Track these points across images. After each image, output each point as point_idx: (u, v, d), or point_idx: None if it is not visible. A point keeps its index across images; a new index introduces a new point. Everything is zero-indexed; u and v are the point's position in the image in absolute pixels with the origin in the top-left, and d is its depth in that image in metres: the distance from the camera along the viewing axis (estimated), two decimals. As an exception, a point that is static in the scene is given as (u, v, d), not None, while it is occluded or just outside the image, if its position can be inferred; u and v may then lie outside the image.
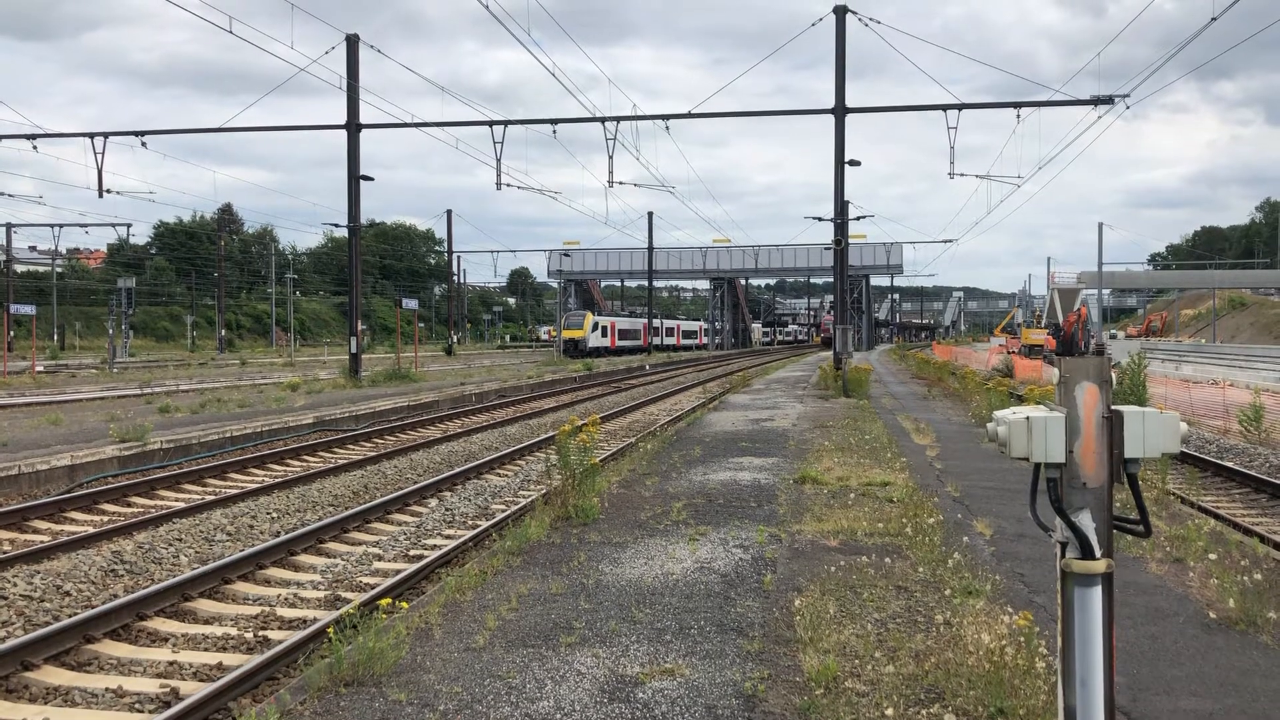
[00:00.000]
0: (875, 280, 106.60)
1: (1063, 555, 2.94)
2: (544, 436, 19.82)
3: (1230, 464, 15.92)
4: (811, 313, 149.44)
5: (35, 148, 33.12)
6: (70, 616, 8.07)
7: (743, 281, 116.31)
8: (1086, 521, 2.88)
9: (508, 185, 33.32)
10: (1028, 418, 2.87)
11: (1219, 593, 6.83)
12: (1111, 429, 2.85)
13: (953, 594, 6.81)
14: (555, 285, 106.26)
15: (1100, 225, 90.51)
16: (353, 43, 33.01)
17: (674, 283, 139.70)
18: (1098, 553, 2.89)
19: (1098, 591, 2.90)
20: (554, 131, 32.80)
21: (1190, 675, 5.43)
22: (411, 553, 10.73)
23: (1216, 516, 11.58)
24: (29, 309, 44.24)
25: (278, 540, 10.45)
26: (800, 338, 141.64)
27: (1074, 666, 2.91)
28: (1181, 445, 2.95)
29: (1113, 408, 2.87)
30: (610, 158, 32.28)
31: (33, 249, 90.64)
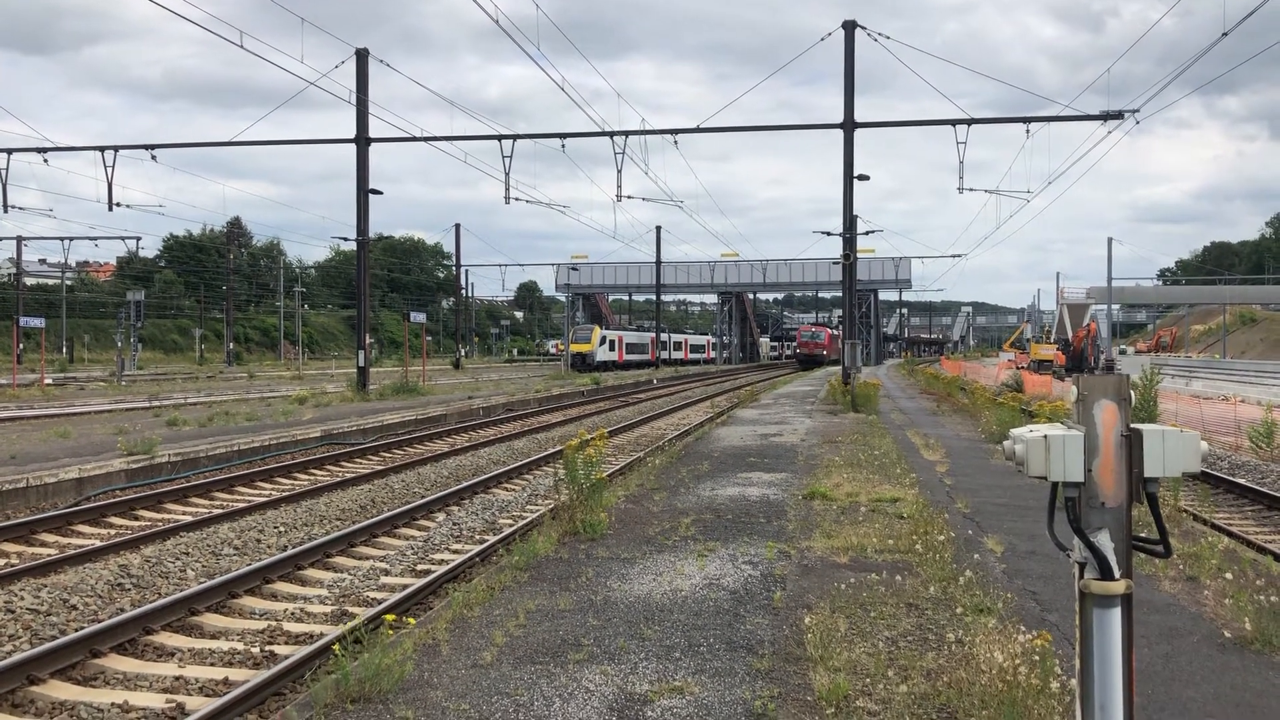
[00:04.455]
0: (883, 295, 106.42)
1: (1081, 576, 2.89)
2: (551, 451, 19.78)
3: (1243, 481, 15.82)
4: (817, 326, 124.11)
5: (46, 161, 33.36)
6: (76, 630, 8.04)
7: (751, 296, 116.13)
8: (1105, 542, 2.83)
9: (516, 199, 33.35)
10: (1045, 436, 2.82)
11: (1234, 612, 6.75)
12: (1130, 448, 2.81)
13: (964, 612, 6.75)
14: (563, 299, 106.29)
15: (1110, 240, 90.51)
16: (362, 57, 33.14)
17: (682, 297, 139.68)
18: (1117, 573, 2.84)
19: (1117, 613, 2.85)
20: (563, 145, 32.90)
21: (1206, 696, 5.36)
22: (419, 568, 10.69)
23: (1230, 534, 11.49)
24: (38, 322, 44.40)
25: (284, 554, 10.42)
26: None
27: (1093, 690, 2.85)
28: (1202, 464, 2.90)
29: (1132, 426, 2.82)
30: (619, 172, 32.39)
31: (42, 262, 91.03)
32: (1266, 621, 6.33)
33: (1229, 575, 7.61)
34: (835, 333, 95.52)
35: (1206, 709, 5.18)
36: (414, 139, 33.25)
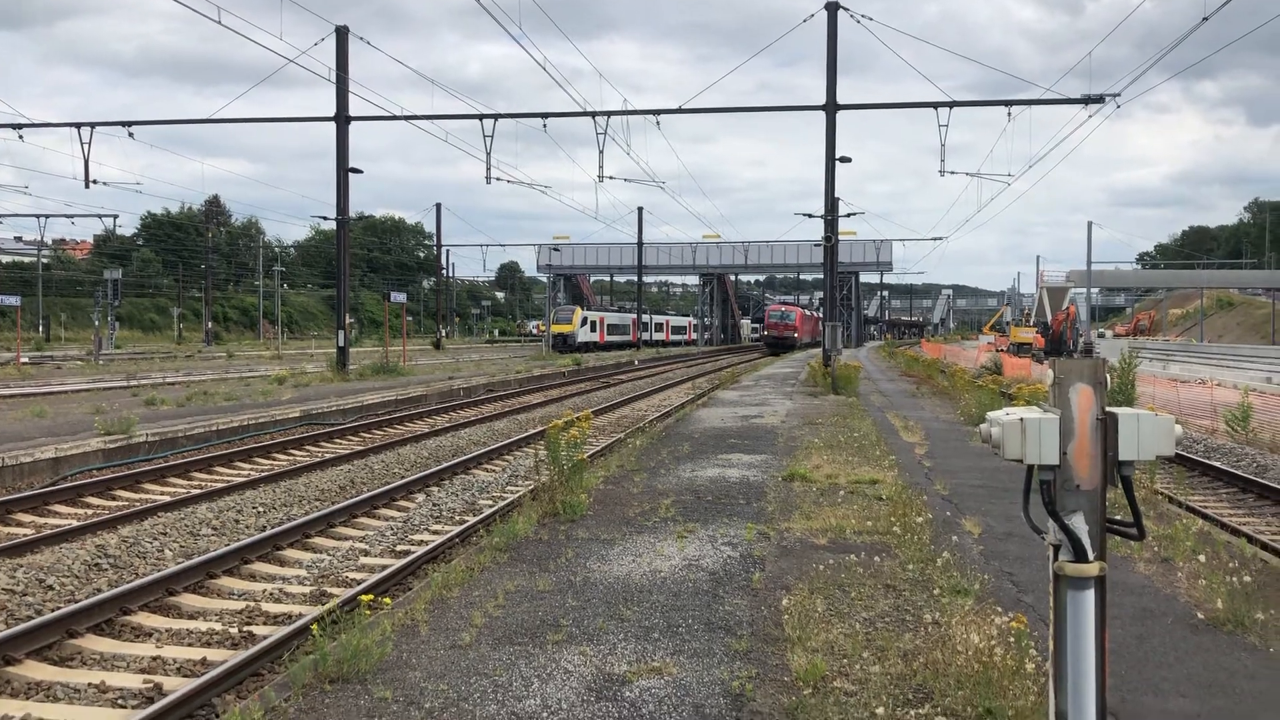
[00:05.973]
0: (864, 277, 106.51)
1: (1055, 558, 2.92)
2: (532, 432, 19.78)
3: (1218, 464, 15.97)
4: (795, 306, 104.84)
5: (21, 137, 32.99)
6: (53, 611, 7.99)
7: (732, 278, 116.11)
8: (1080, 524, 2.86)
9: (497, 179, 33.20)
10: (1021, 419, 2.84)
11: (1207, 593, 6.83)
12: (1105, 431, 2.83)
13: (941, 593, 6.80)
14: (544, 280, 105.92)
15: (1089, 224, 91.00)
16: (342, 34, 32.85)
17: (663, 278, 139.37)
18: (1091, 555, 2.87)
19: (1090, 595, 2.88)
20: (544, 125, 32.73)
21: (1178, 676, 5.42)
22: (398, 548, 10.67)
23: (1204, 516, 11.60)
24: (14, 300, 43.99)
25: (263, 535, 10.39)
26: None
27: (1066, 670, 2.89)
28: (1177, 448, 2.93)
29: (1107, 409, 2.84)
30: (601, 152, 32.31)
31: (18, 239, 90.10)
32: (1239, 603, 6.40)
33: (1203, 557, 7.68)
34: (809, 313, 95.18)
35: (1179, 688, 5.24)
36: (394, 118, 33.00)
